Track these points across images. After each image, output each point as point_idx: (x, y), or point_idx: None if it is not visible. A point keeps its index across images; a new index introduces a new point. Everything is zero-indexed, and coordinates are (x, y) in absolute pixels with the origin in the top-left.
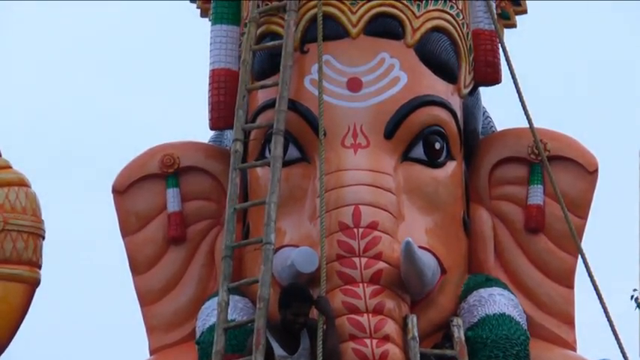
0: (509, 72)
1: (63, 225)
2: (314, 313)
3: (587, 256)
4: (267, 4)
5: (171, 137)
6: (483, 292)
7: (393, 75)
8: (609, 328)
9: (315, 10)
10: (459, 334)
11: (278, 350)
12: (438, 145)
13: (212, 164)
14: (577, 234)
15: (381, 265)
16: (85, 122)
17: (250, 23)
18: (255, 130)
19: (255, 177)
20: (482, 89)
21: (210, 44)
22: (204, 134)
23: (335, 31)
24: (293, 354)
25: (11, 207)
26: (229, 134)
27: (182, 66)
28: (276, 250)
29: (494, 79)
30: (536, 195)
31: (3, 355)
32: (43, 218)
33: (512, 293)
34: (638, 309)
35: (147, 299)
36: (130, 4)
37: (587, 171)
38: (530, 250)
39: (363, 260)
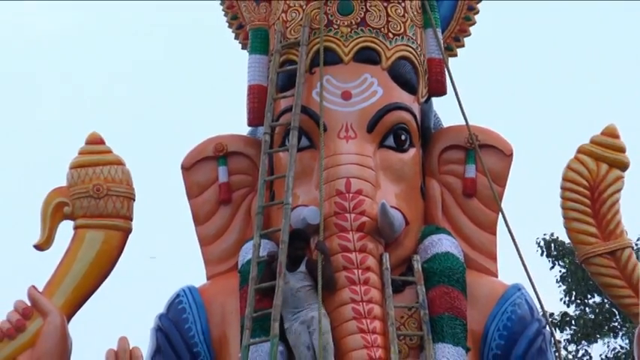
0: (452, 87)
1: (147, 191)
2: (316, 254)
3: (505, 212)
4: (287, 41)
5: (221, 130)
6: (434, 237)
7: (372, 89)
8: (520, 262)
9: (319, 45)
10: (417, 266)
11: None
12: (403, 137)
13: (249, 150)
14: (498, 198)
15: (365, 219)
16: (164, 121)
17: (275, 53)
18: (278, 127)
19: (278, 159)
20: (433, 99)
21: (248, 67)
22: (243, 129)
23: (333, 58)
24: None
25: (112, 179)
26: (261, 129)
27: (230, 82)
28: (292, 209)
29: (441, 92)
30: (471, 171)
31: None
32: (134, 187)
33: (454, 238)
34: (540, 249)
35: (205, 242)
36: (195, 48)
37: (505, 154)
38: (466, 208)
39: (352, 215)
